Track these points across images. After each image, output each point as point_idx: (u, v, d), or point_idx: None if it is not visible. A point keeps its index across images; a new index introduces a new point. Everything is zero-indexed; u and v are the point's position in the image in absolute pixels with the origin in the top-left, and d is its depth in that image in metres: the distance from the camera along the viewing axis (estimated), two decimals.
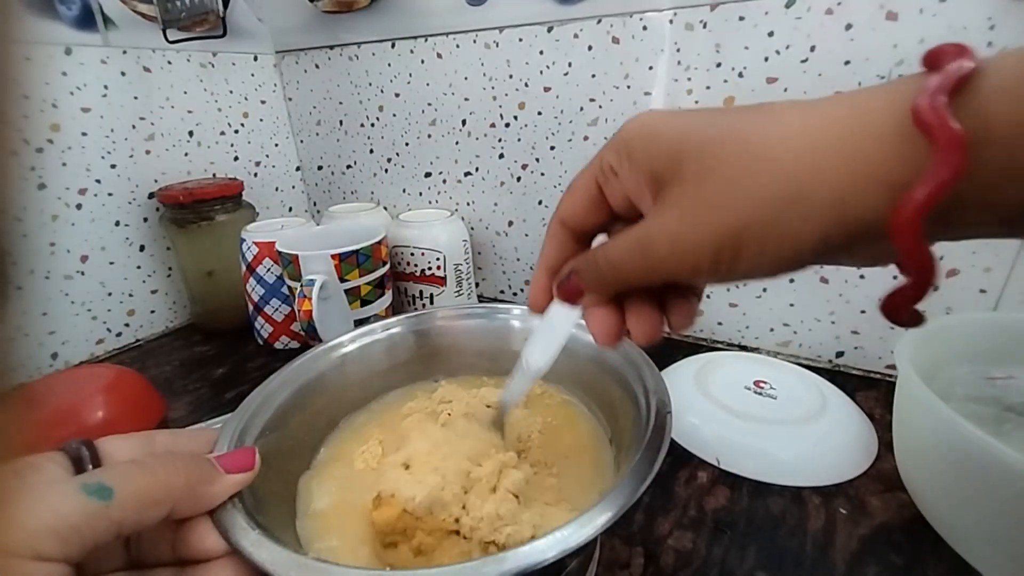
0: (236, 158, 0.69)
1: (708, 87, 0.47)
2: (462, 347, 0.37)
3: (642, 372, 0.28)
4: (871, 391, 0.45)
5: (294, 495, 0.28)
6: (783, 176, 0.15)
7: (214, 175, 0.67)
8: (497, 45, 0.56)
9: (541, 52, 0.54)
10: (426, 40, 0.59)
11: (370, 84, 0.66)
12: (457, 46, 0.58)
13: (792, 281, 0.49)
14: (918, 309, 0.16)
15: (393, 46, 0.62)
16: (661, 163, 0.18)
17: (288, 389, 0.30)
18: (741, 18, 0.44)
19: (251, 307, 0.56)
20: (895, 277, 0.15)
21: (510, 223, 0.63)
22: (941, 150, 0.13)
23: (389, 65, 0.63)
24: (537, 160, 0.58)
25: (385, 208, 0.68)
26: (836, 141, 0.15)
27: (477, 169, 0.63)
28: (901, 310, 0.15)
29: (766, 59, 0.44)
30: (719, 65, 0.46)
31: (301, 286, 0.45)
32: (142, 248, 0.60)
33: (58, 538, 0.15)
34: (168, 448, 0.21)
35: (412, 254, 0.57)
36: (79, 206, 0.54)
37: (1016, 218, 0.14)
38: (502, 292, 0.67)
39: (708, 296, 0.54)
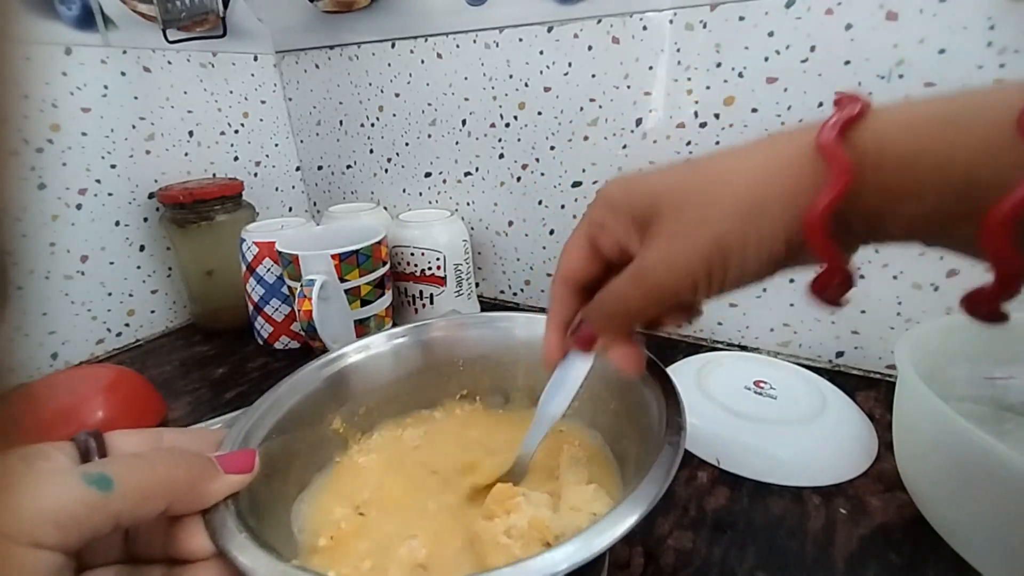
0: (236, 158, 0.69)
1: (708, 87, 0.47)
2: (472, 358, 0.37)
3: (654, 382, 0.27)
4: (871, 391, 0.45)
5: (292, 501, 0.28)
6: (746, 192, 0.19)
7: (214, 175, 0.67)
8: (497, 45, 0.56)
9: (541, 52, 0.54)
10: (426, 40, 0.59)
11: (370, 84, 0.66)
12: (457, 46, 0.58)
13: (792, 281, 0.49)
14: (841, 290, 0.19)
15: (393, 46, 0.62)
16: (641, 207, 0.21)
17: (297, 395, 0.30)
18: (741, 18, 0.44)
19: (251, 307, 0.56)
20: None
21: (510, 223, 0.63)
22: (832, 171, 0.17)
23: (389, 65, 0.63)
24: (537, 160, 0.58)
25: (385, 208, 0.68)
26: (778, 165, 0.19)
27: (477, 169, 0.63)
28: (824, 292, 0.19)
29: (766, 59, 0.44)
30: (719, 65, 0.46)
31: (301, 286, 0.45)
32: (142, 248, 0.60)
33: (57, 526, 0.15)
34: (175, 446, 0.22)
35: (412, 254, 0.57)
36: (79, 206, 0.54)
37: (917, 228, 0.17)
38: (502, 292, 0.67)
39: None
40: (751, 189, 0.18)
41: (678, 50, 0.47)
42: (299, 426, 0.29)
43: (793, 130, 0.19)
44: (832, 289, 0.19)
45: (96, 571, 0.19)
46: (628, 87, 0.51)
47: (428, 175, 0.67)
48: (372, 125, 0.68)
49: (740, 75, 0.46)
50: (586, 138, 0.55)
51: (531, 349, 0.31)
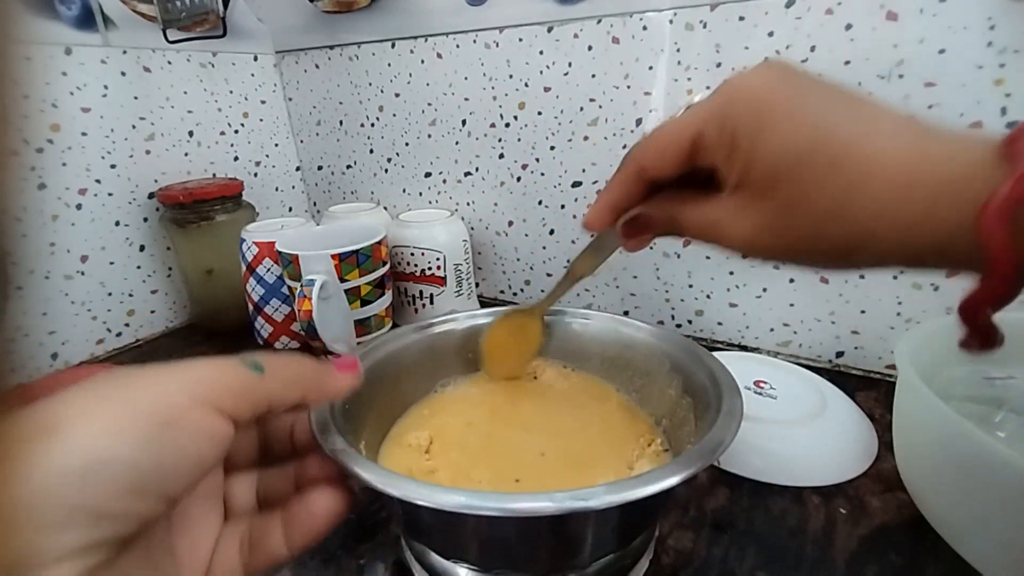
0: (236, 158, 0.69)
1: (708, 87, 0.47)
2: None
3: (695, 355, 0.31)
4: (871, 391, 0.45)
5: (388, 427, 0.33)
6: (864, 219, 0.17)
7: (214, 175, 0.67)
8: (497, 45, 0.56)
9: (541, 52, 0.54)
10: (426, 40, 0.59)
11: (370, 84, 0.66)
12: (457, 46, 0.58)
13: (792, 281, 0.49)
14: (995, 323, 0.16)
15: (393, 46, 0.62)
16: (760, 167, 0.19)
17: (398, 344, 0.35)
18: (741, 18, 0.44)
19: (251, 307, 0.56)
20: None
21: (510, 223, 0.63)
22: (995, 268, 0.15)
23: (389, 65, 0.63)
24: (537, 160, 0.58)
25: (385, 208, 0.68)
26: (909, 198, 0.16)
27: (477, 169, 0.63)
28: (978, 312, 0.16)
29: (766, 59, 0.44)
30: (719, 65, 0.46)
31: (301, 286, 0.45)
32: (142, 248, 0.60)
33: (231, 395, 0.18)
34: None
35: (412, 254, 0.57)
36: (79, 206, 0.54)
37: None
38: (502, 292, 0.67)
39: (708, 296, 0.54)
40: (872, 220, 0.17)
41: (678, 50, 0.47)
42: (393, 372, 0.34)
43: (956, 142, 0.16)
44: (987, 316, 0.16)
45: (237, 474, 0.22)
46: (628, 87, 0.51)
47: (428, 175, 0.67)
48: (372, 125, 0.68)
49: None
50: (586, 138, 0.55)
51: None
